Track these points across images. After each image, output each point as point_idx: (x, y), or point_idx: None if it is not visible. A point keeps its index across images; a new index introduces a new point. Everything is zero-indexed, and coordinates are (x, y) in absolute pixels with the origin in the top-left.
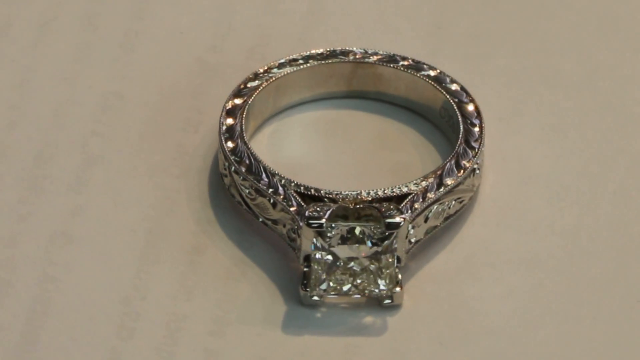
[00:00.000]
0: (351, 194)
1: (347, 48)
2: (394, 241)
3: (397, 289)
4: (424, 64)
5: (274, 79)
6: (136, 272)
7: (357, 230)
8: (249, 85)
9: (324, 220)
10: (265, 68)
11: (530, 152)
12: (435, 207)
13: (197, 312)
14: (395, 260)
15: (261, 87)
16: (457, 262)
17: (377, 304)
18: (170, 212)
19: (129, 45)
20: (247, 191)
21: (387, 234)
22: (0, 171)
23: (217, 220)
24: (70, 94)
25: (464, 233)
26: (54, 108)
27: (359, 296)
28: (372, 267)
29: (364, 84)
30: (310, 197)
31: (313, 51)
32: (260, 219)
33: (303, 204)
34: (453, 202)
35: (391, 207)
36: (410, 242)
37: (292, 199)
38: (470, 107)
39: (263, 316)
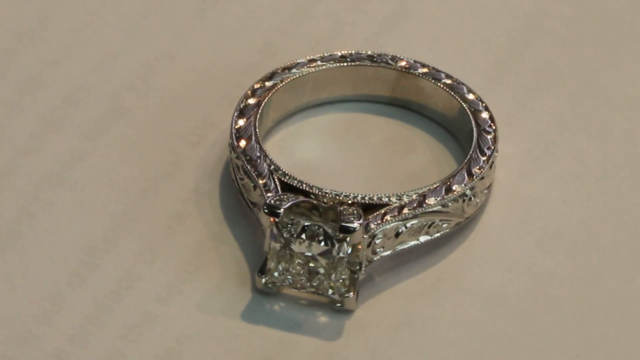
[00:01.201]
0: (332, 192)
1: (398, 55)
2: (347, 245)
3: (351, 294)
4: (463, 84)
5: (314, 70)
6: (111, 226)
7: (314, 228)
8: (285, 71)
9: (281, 210)
10: (309, 58)
11: (541, 192)
12: (411, 223)
13: (153, 276)
14: (350, 266)
15: (297, 76)
16: (425, 283)
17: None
18: (170, 176)
19: (203, 12)
20: (238, 170)
21: (341, 236)
22: (27, 102)
23: (213, 193)
24: (125, 46)
25: (443, 257)
26: (103, 56)
27: (315, 294)
28: (324, 268)
29: (407, 93)
30: (292, 187)
31: (363, 52)
32: (245, 201)
33: (284, 193)
34: (436, 224)
35: (354, 212)
36: (375, 252)
37: (273, 185)
38: (490, 137)
39: (217, 295)
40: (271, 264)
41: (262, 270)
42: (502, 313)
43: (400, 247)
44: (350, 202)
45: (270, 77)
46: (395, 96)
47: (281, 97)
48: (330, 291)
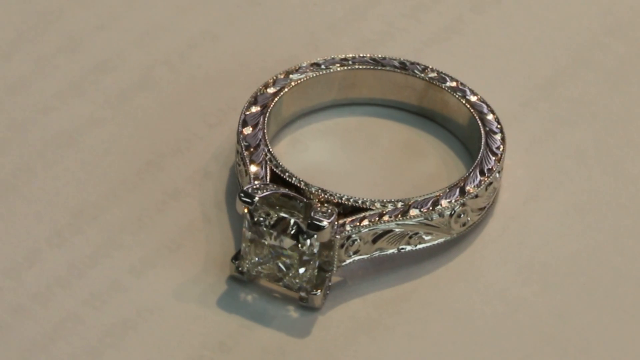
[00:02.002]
0: (318, 190)
1: (430, 66)
2: (315, 242)
3: (318, 292)
4: (484, 103)
5: (343, 69)
6: (106, 193)
7: (287, 221)
8: (313, 66)
9: (256, 199)
10: (342, 57)
11: (539, 221)
12: (394, 232)
13: (133, 247)
14: (321, 264)
15: (324, 72)
16: (398, 293)
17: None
18: (179, 153)
19: None
20: (237, 155)
21: (309, 232)
22: (61, 61)
23: (217, 176)
24: (172, 20)
25: (423, 270)
26: (148, 28)
27: (284, 288)
28: (293, 262)
29: (433, 104)
30: (282, 179)
31: (395, 58)
32: (239, 187)
33: (267, 182)
34: (420, 235)
35: (327, 210)
36: (348, 254)
37: (263, 174)
38: (494, 159)
39: (191, 276)
40: (244, 252)
41: (236, 257)
42: (463, 333)
43: (378, 254)
44: (335, 201)
45: (297, 69)
46: (422, 106)
47: (303, 90)
48: (297, 286)
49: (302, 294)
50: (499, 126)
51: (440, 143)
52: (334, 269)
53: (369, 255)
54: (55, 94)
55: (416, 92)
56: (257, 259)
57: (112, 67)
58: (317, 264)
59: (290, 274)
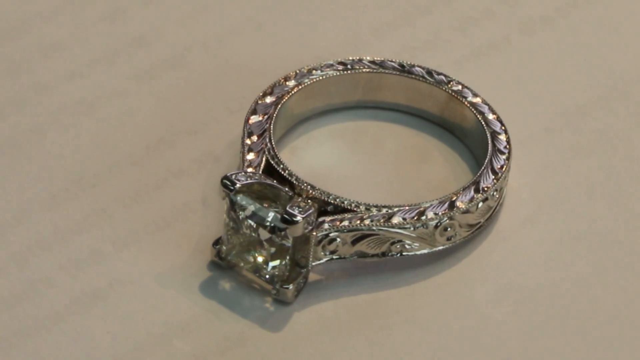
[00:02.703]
0: (307, 186)
1: (456, 79)
2: (287, 236)
3: (290, 286)
4: (502, 124)
5: (368, 71)
6: (110, 164)
7: (264, 213)
8: (339, 65)
9: (237, 186)
10: (370, 59)
11: (530, 246)
12: (375, 237)
13: (122, 220)
14: (296, 259)
15: (349, 72)
16: (372, 299)
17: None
18: (192, 134)
19: None
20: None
21: (282, 225)
22: (100, 30)
23: (225, 161)
24: (218, 6)
25: (402, 279)
26: (192, 10)
27: (257, 277)
28: (266, 254)
29: (454, 117)
30: (275, 171)
31: (422, 67)
32: None
33: (260, 172)
34: (404, 243)
35: (305, 206)
36: (325, 252)
37: (257, 163)
38: (491, 179)
39: (173, 255)
40: (224, 238)
41: (217, 242)
42: (426, 346)
43: (358, 257)
44: (322, 199)
45: (322, 65)
46: (444, 117)
47: (325, 87)
48: (271, 279)
49: (275, 286)
50: (507, 146)
51: (456, 156)
52: (310, 265)
53: (347, 257)
54: (86, 61)
55: (438, 103)
56: (235, 246)
57: (149, 42)
58: (290, 258)
59: (265, 266)
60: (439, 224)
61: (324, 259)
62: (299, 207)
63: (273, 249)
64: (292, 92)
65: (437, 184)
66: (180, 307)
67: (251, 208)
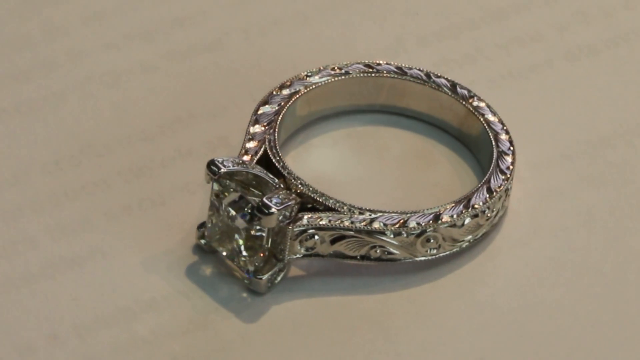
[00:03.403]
0: (296, 179)
1: (476, 95)
2: (260, 225)
3: (264, 277)
4: (512, 146)
5: (391, 77)
6: (119, 137)
7: (244, 202)
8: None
9: (221, 171)
10: (397, 65)
11: (516, 267)
12: (355, 239)
13: (119, 193)
14: (266, 248)
15: (371, 75)
16: (343, 300)
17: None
18: (210, 117)
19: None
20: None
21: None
22: (144, 5)
23: (235, 147)
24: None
25: (376, 285)
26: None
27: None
28: (242, 242)
29: (470, 132)
30: (269, 161)
31: (447, 78)
32: None
33: (262, 170)
34: (385, 249)
35: (283, 198)
36: (302, 247)
37: (255, 152)
38: (481, 200)
39: (160, 233)
40: (207, 222)
41: (202, 225)
42: (384, 354)
43: (337, 257)
44: (310, 195)
45: (347, 65)
46: (462, 131)
47: (347, 87)
48: (246, 268)
49: (249, 276)
50: (509, 168)
51: (469, 171)
52: (286, 259)
53: (326, 256)
54: (124, 34)
55: (458, 116)
56: (216, 232)
57: (191, 23)
58: (266, 249)
59: (241, 254)
60: (420, 234)
61: (301, 254)
62: (278, 198)
63: (249, 239)
64: (311, 88)
65: (441, 195)
66: (154, 285)
67: (232, 195)
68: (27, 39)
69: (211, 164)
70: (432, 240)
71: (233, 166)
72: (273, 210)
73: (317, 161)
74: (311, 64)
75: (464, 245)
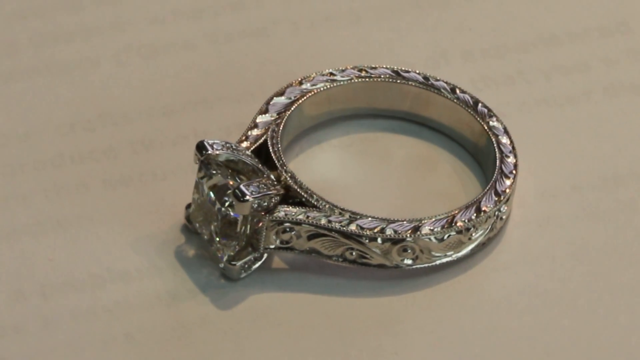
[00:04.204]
0: (288, 172)
1: (496, 115)
2: (233, 210)
3: (237, 264)
4: (514, 170)
5: (414, 86)
6: (121, 114)
7: (225, 187)
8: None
9: (208, 152)
10: (424, 75)
11: (487, 292)
12: (331, 238)
13: (123, 163)
14: (241, 234)
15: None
16: (311, 299)
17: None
18: (214, 105)
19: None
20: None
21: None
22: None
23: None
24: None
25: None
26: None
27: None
28: (218, 226)
29: (482, 151)
30: (264, 148)
31: (471, 94)
32: None
33: (253, 158)
34: (362, 253)
35: (265, 188)
36: (279, 241)
37: (254, 140)
38: (464, 218)
39: (153, 210)
40: (192, 202)
41: (190, 205)
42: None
43: (314, 254)
44: (296, 189)
45: (373, 68)
46: (478, 148)
47: (370, 90)
48: (220, 253)
49: (222, 261)
50: (505, 191)
51: (478, 186)
52: (261, 248)
53: (301, 252)
54: (172, 9)
55: (474, 133)
56: (199, 214)
57: (242, 7)
58: (243, 236)
59: (217, 239)
60: (396, 242)
61: (272, 245)
62: (256, 187)
63: (225, 224)
64: (331, 85)
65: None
66: (131, 257)
67: (216, 179)
68: (77, 3)
69: (200, 144)
70: (409, 251)
71: (222, 150)
72: (248, 197)
73: (325, 161)
74: (349, 63)
75: (444, 260)
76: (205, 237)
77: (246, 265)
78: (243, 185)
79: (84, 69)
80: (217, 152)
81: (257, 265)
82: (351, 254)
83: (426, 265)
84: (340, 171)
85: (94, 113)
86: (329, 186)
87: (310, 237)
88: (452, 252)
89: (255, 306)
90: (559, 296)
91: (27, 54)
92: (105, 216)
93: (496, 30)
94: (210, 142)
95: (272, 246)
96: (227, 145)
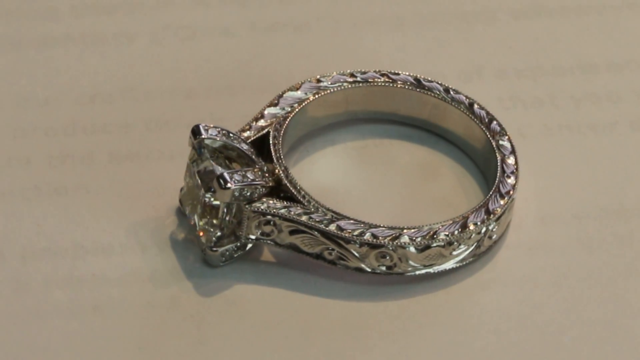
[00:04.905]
0: (281, 166)
1: (507, 134)
2: (214, 198)
3: (219, 250)
4: (512, 190)
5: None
6: (151, 85)
7: (213, 172)
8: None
9: (202, 137)
10: (448, 87)
11: (452, 310)
12: (310, 236)
13: (130, 137)
14: (225, 221)
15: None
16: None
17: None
18: (252, 91)
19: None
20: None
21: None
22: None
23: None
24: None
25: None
26: None
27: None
28: (200, 209)
29: (491, 165)
30: (262, 141)
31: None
32: None
33: (249, 148)
34: (342, 255)
35: (250, 178)
36: (259, 232)
37: (257, 130)
38: (447, 232)
39: (151, 188)
40: (184, 185)
41: (182, 188)
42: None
43: (293, 250)
44: (287, 184)
45: (394, 73)
46: (486, 164)
47: (389, 95)
48: (203, 239)
49: (203, 247)
50: (495, 212)
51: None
52: (242, 238)
53: (280, 247)
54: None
55: (485, 150)
56: (189, 197)
57: (292, 1)
58: (228, 224)
59: (200, 224)
60: (375, 247)
61: (257, 237)
62: (240, 175)
63: (209, 210)
64: (345, 87)
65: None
66: (119, 233)
67: (205, 164)
68: None
69: (195, 128)
70: (387, 257)
71: (216, 136)
72: (229, 185)
73: (334, 163)
74: (382, 67)
75: (422, 272)
76: (192, 221)
77: (227, 253)
78: (227, 173)
79: (118, 42)
80: (211, 138)
81: (238, 254)
82: (330, 254)
83: (405, 274)
84: (347, 174)
85: (117, 87)
86: (331, 186)
87: (292, 233)
88: (432, 265)
89: (227, 295)
90: (531, 321)
91: (65, 21)
92: (103, 189)
93: (535, 52)
94: (206, 127)
95: (253, 237)
96: (223, 132)
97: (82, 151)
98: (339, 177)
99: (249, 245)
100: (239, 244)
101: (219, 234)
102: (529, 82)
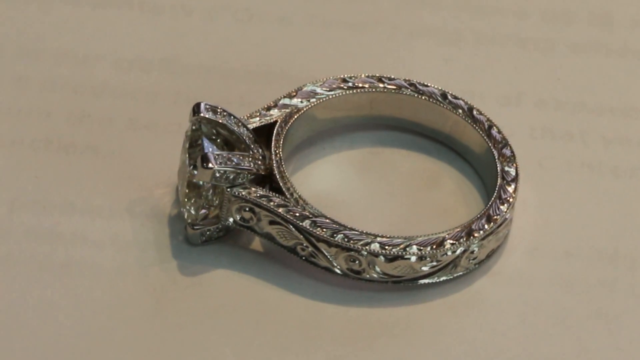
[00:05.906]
0: (277, 156)
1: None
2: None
3: (198, 229)
4: (509, 206)
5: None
6: (162, 69)
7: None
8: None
9: (201, 115)
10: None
11: (413, 322)
12: (285, 228)
13: (131, 113)
14: (210, 201)
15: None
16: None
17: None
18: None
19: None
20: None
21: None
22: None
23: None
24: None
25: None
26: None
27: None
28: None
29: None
30: (262, 131)
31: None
32: None
33: (249, 133)
34: (308, 250)
35: (237, 162)
36: (238, 217)
37: (262, 120)
38: (425, 252)
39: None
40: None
41: None
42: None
43: (269, 240)
44: (276, 175)
45: (424, 84)
46: (486, 174)
47: (413, 106)
48: (185, 215)
49: (185, 225)
50: (482, 231)
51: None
52: (222, 220)
53: (259, 236)
54: (255, 2)
55: (489, 161)
56: (181, 172)
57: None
58: (212, 205)
59: (185, 201)
60: (345, 250)
61: (236, 221)
62: (228, 159)
63: (192, 188)
64: (376, 89)
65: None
66: (112, 197)
67: (198, 142)
68: None
69: (197, 105)
70: (356, 262)
71: (216, 116)
72: (211, 165)
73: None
74: (429, 81)
75: (393, 280)
76: (180, 197)
77: (207, 233)
78: (211, 153)
79: (173, 14)
80: (209, 117)
81: (219, 235)
82: (303, 249)
83: (374, 280)
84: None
85: (157, 56)
86: (334, 186)
87: (271, 223)
88: (403, 276)
89: (196, 274)
90: (499, 352)
91: None
92: (112, 153)
93: (582, 87)
94: (209, 105)
95: (232, 220)
96: (225, 113)
97: (102, 113)
98: (335, 183)
99: (231, 229)
100: (220, 226)
101: (202, 212)
102: (565, 116)
